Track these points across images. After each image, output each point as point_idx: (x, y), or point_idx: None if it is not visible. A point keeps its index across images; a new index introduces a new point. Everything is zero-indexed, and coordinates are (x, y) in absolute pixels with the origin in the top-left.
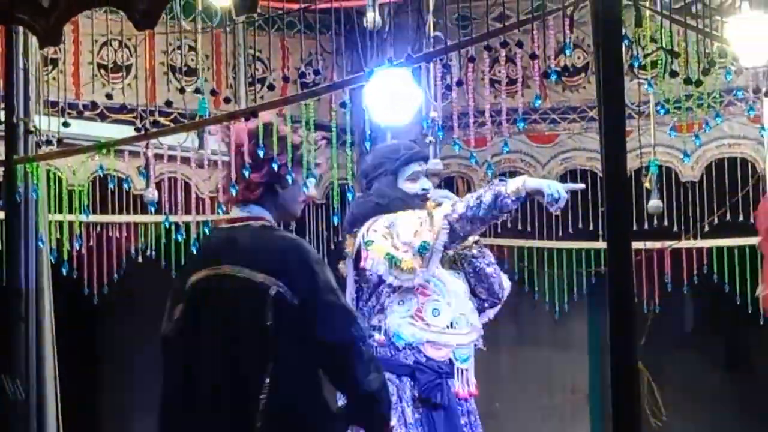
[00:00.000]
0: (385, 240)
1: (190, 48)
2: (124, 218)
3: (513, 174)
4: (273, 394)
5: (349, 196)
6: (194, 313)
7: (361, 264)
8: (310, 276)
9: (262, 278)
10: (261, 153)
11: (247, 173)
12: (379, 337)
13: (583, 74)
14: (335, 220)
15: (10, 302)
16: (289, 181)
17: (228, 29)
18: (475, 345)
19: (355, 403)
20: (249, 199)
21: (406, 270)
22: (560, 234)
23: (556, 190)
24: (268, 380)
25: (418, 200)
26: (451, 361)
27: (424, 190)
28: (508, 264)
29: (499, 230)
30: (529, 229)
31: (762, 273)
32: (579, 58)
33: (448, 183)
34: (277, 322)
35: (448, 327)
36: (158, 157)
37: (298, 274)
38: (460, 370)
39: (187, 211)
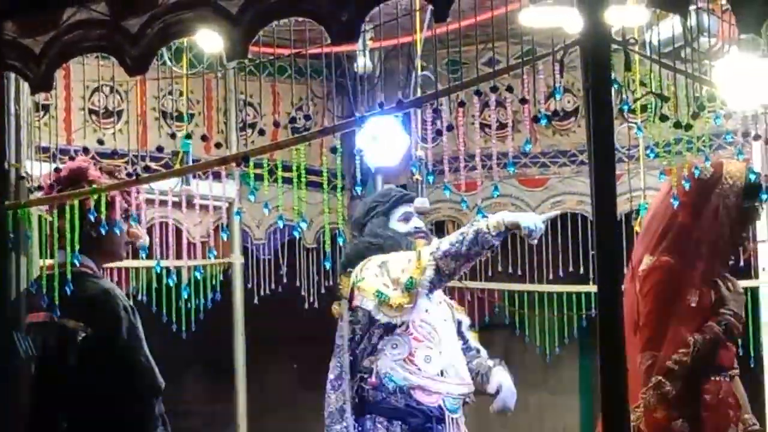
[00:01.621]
0: (376, 278)
1: (181, 93)
2: (115, 263)
3: None
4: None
5: (340, 240)
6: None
7: (353, 303)
8: (116, 323)
9: (72, 324)
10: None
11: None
12: (371, 379)
13: (573, 118)
14: (326, 264)
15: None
16: (107, 227)
17: (219, 74)
18: (465, 400)
19: None
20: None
21: (394, 307)
22: (551, 278)
23: (533, 222)
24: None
25: (411, 239)
26: (441, 407)
27: (416, 228)
28: (499, 308)
29: (490, 274)
30: (519, 273)
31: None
32: (569, 102)
33: (438, 226)
34: (83, 364)
35: (438, 374)
36: (149, 202)
37: (105, 321)
38: (451, 419)
39: (178, 256)
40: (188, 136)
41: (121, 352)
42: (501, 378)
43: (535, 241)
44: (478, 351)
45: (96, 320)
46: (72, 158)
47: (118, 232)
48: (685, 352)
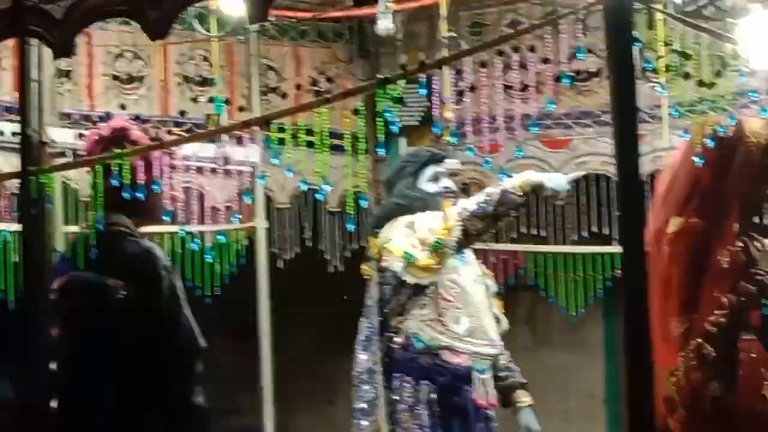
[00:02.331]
0: (404, 239)
1: (205, 58)
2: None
3: None
4: (118, 391)
5: (363, 203)
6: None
7: (381, 263)
8: (158, 282)
9: (112, 282)
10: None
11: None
12: (399, 339)
13: (596, 79)
14: (349, 227)
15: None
16: (155, 188)
17: (241, 39)
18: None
19: (182, 413)
20: (111, 206)
21: (422, 268)
22: (575, 239)
23: (558, 182)
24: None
25: (440, 198)
26: (469, 368)
27: (446, 188)
28: (524, 269)
29: (514, 236)
30: (543, 234)
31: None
32: (592, 63)
33: (462, 189)
34: (124, 324)
35: (467, 335)
36: (172, 167)
37: (146, 279)
38: (479, 379)
39: (202, 221)
40: (211, 100)
41: (162, 311)
42: (530, 421)
43: (562, 202)
44: (498, 320)
45: (137, 279)
46: (94, 124)
47: (157, 189)
48: (722, 314)
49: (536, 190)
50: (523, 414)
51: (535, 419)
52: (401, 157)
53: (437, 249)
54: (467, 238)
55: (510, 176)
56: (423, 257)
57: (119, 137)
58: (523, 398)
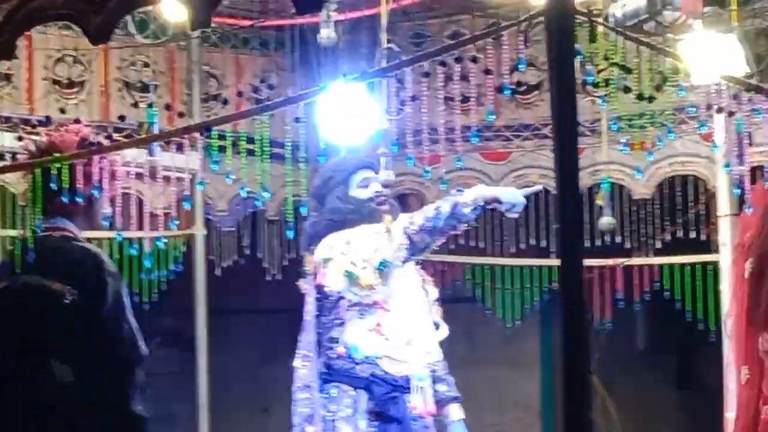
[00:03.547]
0: (344, 257)
1: (145, 64)
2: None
3: None
4: (58, 396)
5: (303, 210)
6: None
7: (319, 281)
8: (103, 287)
9: (57, 286)
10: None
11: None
12: (338, 349)
13: (536, 92)
14: (289, 235)
15: None
16: (95, 193)
17: (182, 45)
18: (432, 369)
19: (120, 420)
20: (54, 211)
21: (365, 286)
22: (513, 251)
23: (514, 196)
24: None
25: (373, 204)
26: (407, 376)
27: (377, 193)
28: (462, 281)
29: (451, 247)
30: (481, 245)
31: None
32: (533, 76)
33: (401, 200)
34: (68, 328)
35: (405, 344)
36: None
37: (91, 285)
38: (417, 387)
39: (140, 227)
40: (150, 106)
41: (106, 317)
42: None
43: (516, 216)
44: (437, 326)
45: (83, 284)
46: (34, 127)
47: (97, 195)
48: None
49: (490, 203)
50: (453, 428)
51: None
52: (325, 166)
53: (382, 269)
54: (413, 253)
55: (460, 190)
56: (366, 275)
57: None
58: (455, 413)
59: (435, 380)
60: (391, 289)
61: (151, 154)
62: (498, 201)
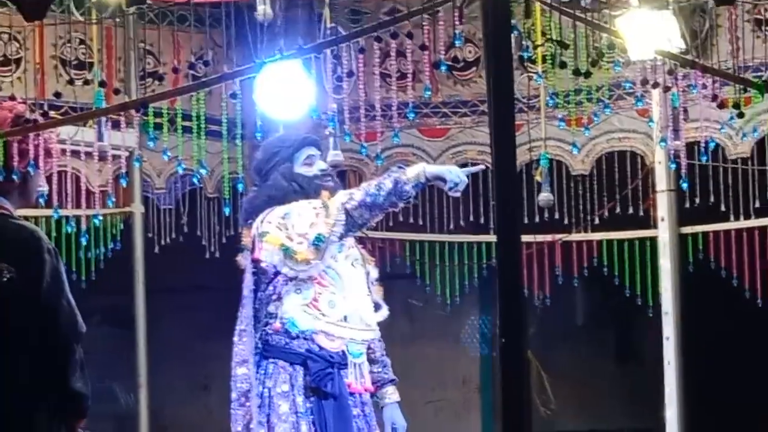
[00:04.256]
0: (280, 231)
1: (81, 41)
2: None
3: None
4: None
5: (240, 187)
6: None
7: (255, 255)
8: (41, 265)
9: None
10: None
11: None
12: (275, 324)
13: (474, 68)
14: (226, 211)
15: None
16: (31, 171)
17: (119, 22)
18: (370, 345)
19: (59, 397)
20: None
21: (300, 261)
22: (452, 227)
23: (457, 174)
24: None
25: (318, 182)
26: (344, 353)
27: (322, 171)
28: (401, 258)
29: (391, 224)
30: (421, 222)
31: None
32: (470, 52)
33: (340, 176)
34: (5, 306)
35: (342, 320)
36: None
37: (29, 262)
38: (353, 364)
39: (77, 205)
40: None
41: (45, 294)
42: (395, 417)
43: (458, 194)
44: (377, 307)
45: (20, 261)
46: None
47: (32, 172)
48: None
49: (431, 181)
50: (388, 410)
51: (401, 415)
52: (270, 142)
53: (318, 244)
54: (350, 229)
55: (401, 166)
56: (302, 250)
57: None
58: (391, 394)
59: (371, 362)
60: (329, 264)
61: (100, 138)
62: (441, 179)
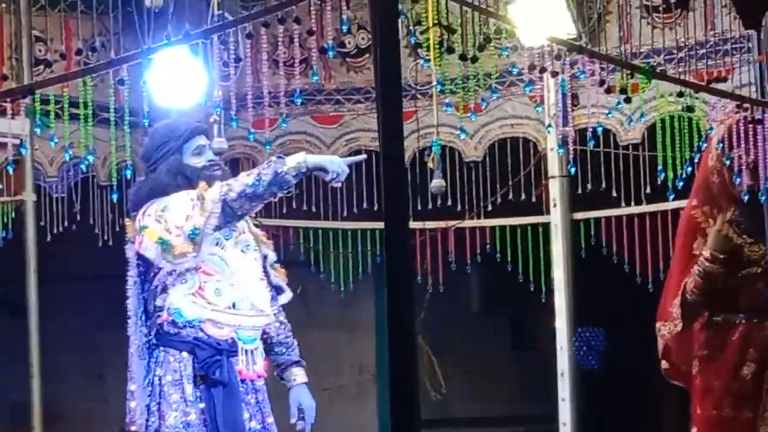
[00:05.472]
0: (158, 224)
1: None
2: None
3: None
4: None
5: (128, 173)
6: None
7: (137, 248)
8: None
9: None
10: None
11: None
12: (163, 316)
13: (367, 55)
14: (114, 198)
15: None
16: None
17: (6, 8)
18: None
19: None
20: None
21: (177, 254)
22: (345, 214)
23: (338, 165)
24: None
25: (207, 172)
26: (234, 340)
27: (210, 161)
28: (295, 245)
29: (284, 211)
30: (314, 209)
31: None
32: (363, 39)
33: (233, 164)
34: None
35: (229, 307)
36: None
37: None
38: (244, 350)
39: None
40: None
41: None
42: (301, 398)
43: (339, 185)
44: (278, 290)
45: None
46: None
47: None
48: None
49: (312, 170)
50: (295, 391)
51: (308, 396)
52: (158, 130)
53: (193, 237)
54: (228, 220)
55: (281, 156)
56: (178, 243)
57: None
58: (297, 376)
59: (274, 345)
60: (214, 252)
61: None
62: (323, 170)
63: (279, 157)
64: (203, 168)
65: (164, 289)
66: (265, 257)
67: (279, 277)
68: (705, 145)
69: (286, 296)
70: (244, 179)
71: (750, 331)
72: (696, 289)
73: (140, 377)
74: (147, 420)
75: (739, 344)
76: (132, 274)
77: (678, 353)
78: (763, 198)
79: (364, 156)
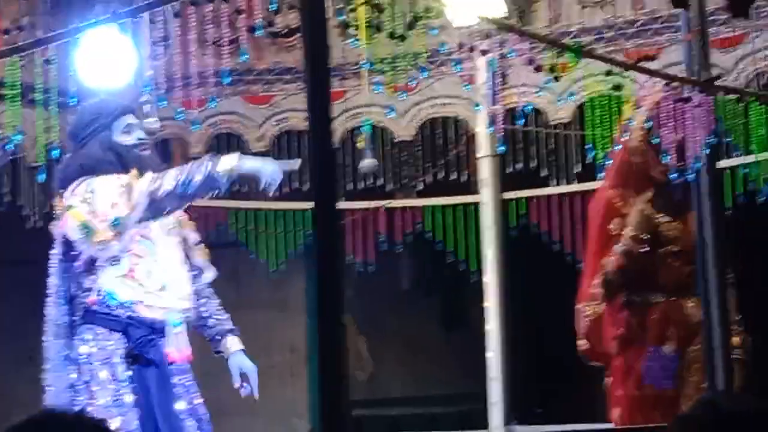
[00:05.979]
0: (84, 205)
1: None
2: None
3: (230, 135)
4: None
5: (55, 154)
6: None
7: (61, 227)
8: None
9: None
10: None
11: None
12: (91, 297)
13: (297, 35)
14: (40, 178)
15: None
16: None
17: None
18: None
19: None
20: None
21: (98, 242)
22: (276, 194)
23: (272, 173)
24: None
25: (136, 151)
26: (163, 322)
27: (140, 139)
28: (225, 226)
29: None
30: (244, 190)
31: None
32: (293, 18)
33: (163, 144)
34: None
35: (161, 289)
36: None
37: None
38: (172, 333)
39: None
40: None
41: None
42: (242, 363)
43: (272, 191)
44: (201, 270)
45: None
46: None
47: None
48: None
49: (246, 177)
50: (234, 358)
51: (248, 360)
52: (87, 107)
53: (116, 226)
54: (156, 215)
55: (216, 157)
56: (101, 230)
57: None
58: (233, 344)
59: (208, 317)
60: (144, 234)
61: None
62: (255, 177)
63: (213, 157)
64: (133, 146)
65: (91, 271)
66: (185, 240)
67: (201, 257)
68: (633, 123)
69: (210, 274)
70: (176, 177)
71: (669, 309)
72: (618, 269)
73: (57, 356)
74: (73, 399)
75: (659, 323)
76: (56, 252)
77: (593, 333)
78: (692, 176)
79: (299, 161)
